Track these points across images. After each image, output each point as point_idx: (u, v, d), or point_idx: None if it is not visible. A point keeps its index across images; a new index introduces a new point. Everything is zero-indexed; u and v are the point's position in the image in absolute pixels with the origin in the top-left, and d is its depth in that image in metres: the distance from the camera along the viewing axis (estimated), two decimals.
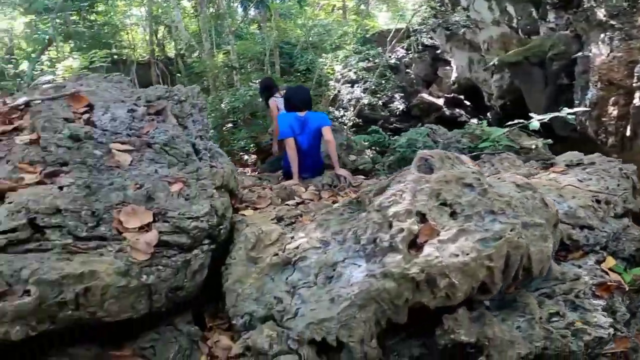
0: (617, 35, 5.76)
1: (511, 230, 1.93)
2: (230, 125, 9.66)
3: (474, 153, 4.01)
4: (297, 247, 2.41)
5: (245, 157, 9.59)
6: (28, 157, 2.64)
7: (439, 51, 15.53)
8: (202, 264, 2.48)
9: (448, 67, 16.69)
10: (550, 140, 4.36)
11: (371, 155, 8.35)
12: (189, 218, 2.45)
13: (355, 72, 9.31)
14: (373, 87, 9.81)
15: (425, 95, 16.39)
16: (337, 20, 12.61)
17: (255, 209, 3.23)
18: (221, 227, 2.65)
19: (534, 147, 4.03)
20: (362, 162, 8.43)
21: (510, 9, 9.74)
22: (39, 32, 8.09)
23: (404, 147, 5.21)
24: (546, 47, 6.90)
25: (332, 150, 4.37)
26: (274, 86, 6.63)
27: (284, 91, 6.73)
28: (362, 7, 16.80)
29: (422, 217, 2.04)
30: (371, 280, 1.89)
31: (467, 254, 1.85)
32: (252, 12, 13.46)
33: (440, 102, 16.50)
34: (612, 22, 5.80)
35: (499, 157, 3.43)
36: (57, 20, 13.46)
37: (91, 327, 2.11)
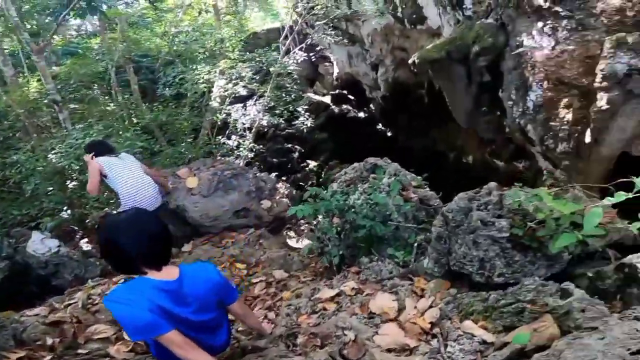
0: (566, 24, 4.43)
1: None
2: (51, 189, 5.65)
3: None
4: None
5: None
6: None
7: (318, 48, 13.67)
8: None
9: (328, 64, 15.04)
10: None
11: (288, 202, 6.04)
12: None
13: (244, 86, 6.77)
14: (272, 103, 7.36)
15: (311, 95, 14.52)
16: (209, 23, 9.46)
17: None
18: None
19: None
20: (282, 210, 6.11)
21: None
22: None
23: (371, 220, 3.07)
24: (469, 40, 5.38)
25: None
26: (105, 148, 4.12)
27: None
28: (236, 8, 13.89)
29: None
30: None
31: None
32: (88, 24, 9.64)
33: (328, 99, 14.84)
34: (556, 8, 4.42)
35: None
36: None
37: None
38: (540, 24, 4.67)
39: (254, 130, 7.25)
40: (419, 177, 3.85)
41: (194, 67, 7.00)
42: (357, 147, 14.29)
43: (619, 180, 2.19)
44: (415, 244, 2.94)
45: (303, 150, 13.59)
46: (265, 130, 12.35)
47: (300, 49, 8.08)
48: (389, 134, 14.82)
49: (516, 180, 10.02)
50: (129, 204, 3.95)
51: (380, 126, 15.06)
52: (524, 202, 2.28)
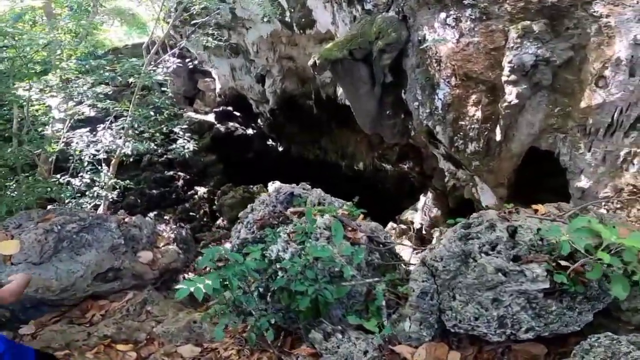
0: (470, 14, 4.04)
1: None
2: None
3: None
4: None
5: None
6: None
7: (196, 62, 12.06)
8: None
9: (209, 79, 13.45)
10: None
11: (178, 250, 4.53)
12: None
13: (92, 106, 4.82)
14: (136, 125, 5.40)
15: (192, 114, 12.73)
16: (42, 31, 6.84)
17: None
18: None
19: None
20: (170, 260, 4.55)
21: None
22: None
23: (314, 282, 1.93)
24: (371, 36, 4.73)
25: None
26: None
27: None
28: (84, 21, 11.19)
29: None
30: None
31: None
32: None
33: (211, 118, 13.21)
34: None
35: None
36: None
37: None
38: (442, 15, 4.22)
39: (114, 161, 5.29)
40: (348, 203, 2.88)
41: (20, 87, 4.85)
42: (249, 167, 13.01)
43: None
44: (384, 303, 1.90)
45: (189, 177, 11.73)
46: (137, 158, 10.19)
47: (172, 55, 6.49)
48: (280, 148, 13.91)
49: (405, 182, 9.87)
50: None
51: (270, 141, 14.06)
52: (564, 238, 1.43)
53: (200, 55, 11.27)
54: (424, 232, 8.25)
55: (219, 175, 12.31)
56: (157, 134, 5.84)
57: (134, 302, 3.88)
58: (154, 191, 11.05)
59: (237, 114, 13.82)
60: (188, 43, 9.41)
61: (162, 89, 11.33)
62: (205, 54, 11.27)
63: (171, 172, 11.62)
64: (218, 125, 12.86)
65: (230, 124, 13.33)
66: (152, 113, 5.71)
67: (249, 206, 3.49)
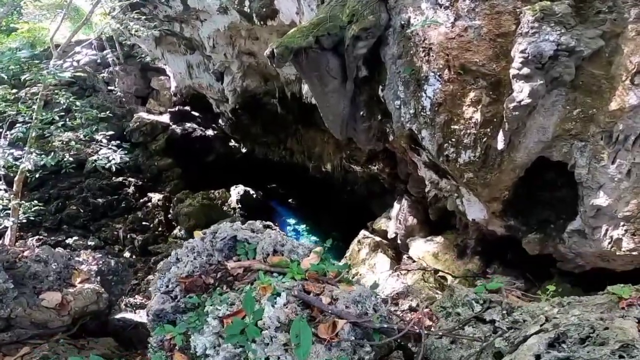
0: None
1: None
2: None
3: None
4: None
5: None
6: None
7: (148, 59, 10.40)
8: None
9: (163, 77, 11.78)
10: None
11: (98, 288, 3.27)
12: None
13: None
14: (34, 134, 3.88)
15: (144, 115, 11.06)
16: None
17: None
18: None
19: None
20: (87, 303, 3.34)
21: None
22: None
23: None
24: (343, 19, 3.59)
25: None
26: None
27: None
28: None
29: None
30: None
31: None
32: None
33: (165, 119, 11.58)
34: None
35: None
36: None
37: None
38: None
39: (17, 177, 3.80)
40: (317, 249, 1.77)
41: None
42: (210, 170, 11.56)
43: None
44: None
45: (141, 182, 10.14)
46: (80, 163, 8.53)
47: (89, 46, 4.97)
48: (243, 150, 12.53)
49: (375, 183, 8.71)
50: None
51: (233, 143, 12.64)
52: None
53: (153, 51, 9.66)
54: (399, 241, 7.29)
55: (175, 180, 10.78)
56: (72, 143, 4.36)
57: (30, 359, 2.94)
58: (100, 200, 9.39)
59: (196, 114, 12.29)
60: (138, 39, 7.84)
61: (109, 87, 9.55)
62: (158, 50, 9.67)
63: (120, 178, 9.96)
64: (174, 126, 11.28)
65: (188, 124, 11.78)
66: (56, 118, 4.16)
67: (172, 253, 2.26)
